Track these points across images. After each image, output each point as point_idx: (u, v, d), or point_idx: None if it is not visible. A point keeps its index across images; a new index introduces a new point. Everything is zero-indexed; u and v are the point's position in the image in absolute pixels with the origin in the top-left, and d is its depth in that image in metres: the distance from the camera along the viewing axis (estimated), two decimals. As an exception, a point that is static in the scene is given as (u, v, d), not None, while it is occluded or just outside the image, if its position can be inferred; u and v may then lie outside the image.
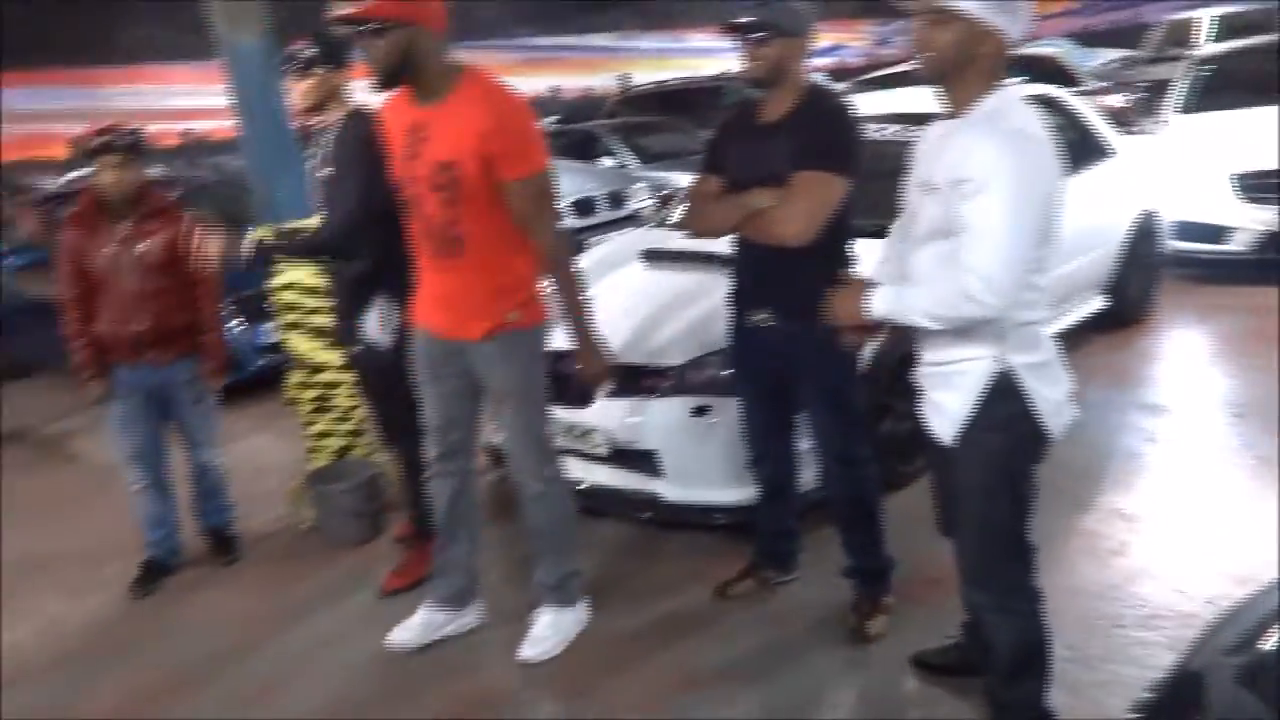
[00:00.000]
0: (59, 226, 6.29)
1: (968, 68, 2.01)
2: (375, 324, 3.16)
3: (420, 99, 2.61)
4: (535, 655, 2.91)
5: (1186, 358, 5.07)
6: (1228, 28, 12.13)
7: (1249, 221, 5.77)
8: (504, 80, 2.66)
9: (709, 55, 20.42)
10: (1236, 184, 5.84)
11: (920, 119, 4.12)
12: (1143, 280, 5.41)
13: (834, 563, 3.00)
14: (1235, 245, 5.85)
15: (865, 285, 2.19)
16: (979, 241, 1.93)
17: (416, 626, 3.10)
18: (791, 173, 2.62)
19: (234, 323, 5.47)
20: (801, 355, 2.77)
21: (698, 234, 2.93)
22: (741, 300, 2.87)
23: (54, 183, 11.10)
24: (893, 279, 2.23)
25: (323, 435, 4.05)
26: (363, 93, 3.17)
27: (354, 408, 4.03)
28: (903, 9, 2.10)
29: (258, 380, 5.48)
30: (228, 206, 5.36)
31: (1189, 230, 5.91)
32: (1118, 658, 2.65)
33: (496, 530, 3.83)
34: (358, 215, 3.03)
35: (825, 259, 2.68)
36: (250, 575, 3.72)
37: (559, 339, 3.00)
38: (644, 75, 16.45)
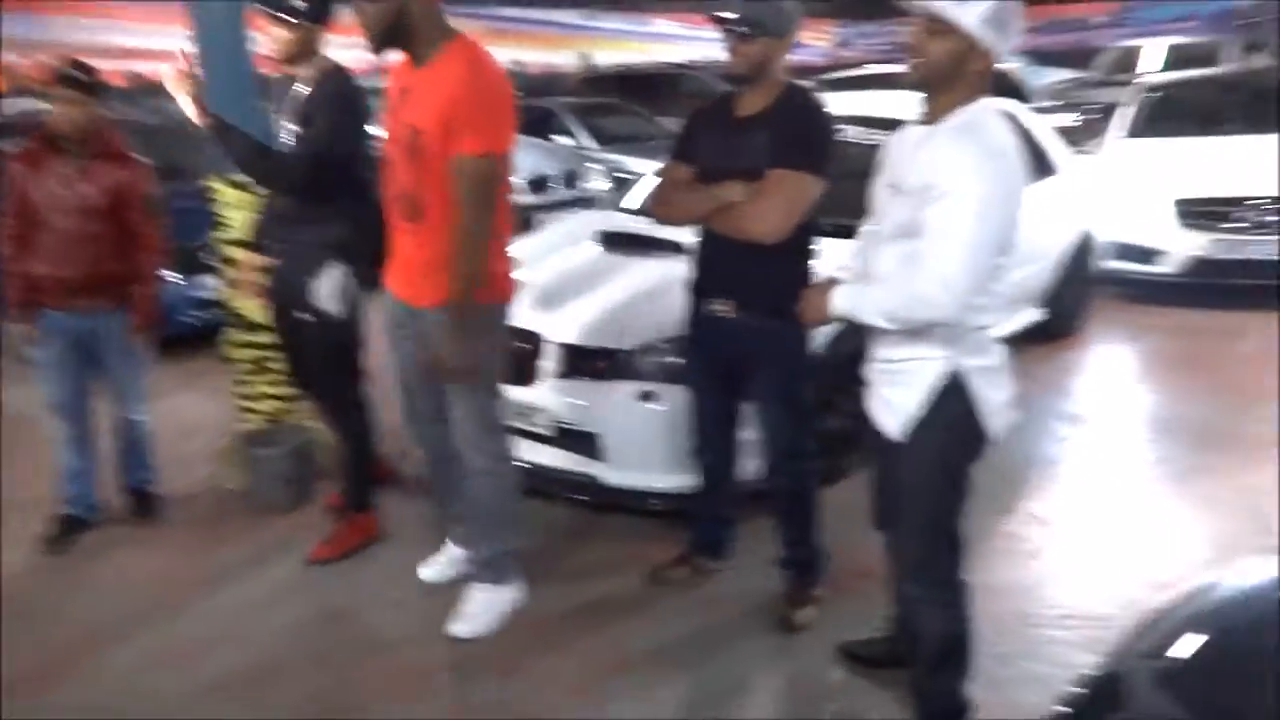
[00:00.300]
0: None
1: (955, 79, 2.06)
2: (330, 292, 3.09)
3: (414, 63, 2.63)
4: (465, 631, 2.90)
5: (1113, 373, 5.24)
6: (1177, 58, 12.49)
7: (1186, 246, 5.97)
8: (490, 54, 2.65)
9: (672, 41, 20.39)
10: (1178, 209, 6.03)
11: (882, 123, 4.22)
12: (1077, 296, 5.57)
13: (766, 552, 3.05)
14: (1168, 268, 6.05)
15: (832, 283, 2.23)
16: (939, 246, 1.98)
17: (442, 563, 3.18)
18: (765, 169, 2.65)
19: (170, 275, 5.31)
20: (758, 348, 2.80)
21: (666, 221, 2.94)
22: (702, 290, 2.88)
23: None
24: (857, 277, 2.27)
25: (257, 397, 3.96)
26: (337, 49, 3.14)
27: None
28: (903, 7, 2.12)
29: (188, 336, 5.34)
30: (169, 153, 5.20)
31: (1125, 250, 6.11)
32: (1032, 655, 2.74)
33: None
34: (319, 158, 3.00)
35: (789, 255, 2.72)
36: (173, 536, 3.62)
37: (517, 317, 3.00)
38: (606, 56, 16.38)
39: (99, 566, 3.43)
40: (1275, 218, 5.76)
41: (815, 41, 25.31)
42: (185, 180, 4.81)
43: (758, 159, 2.67)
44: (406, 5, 2.53)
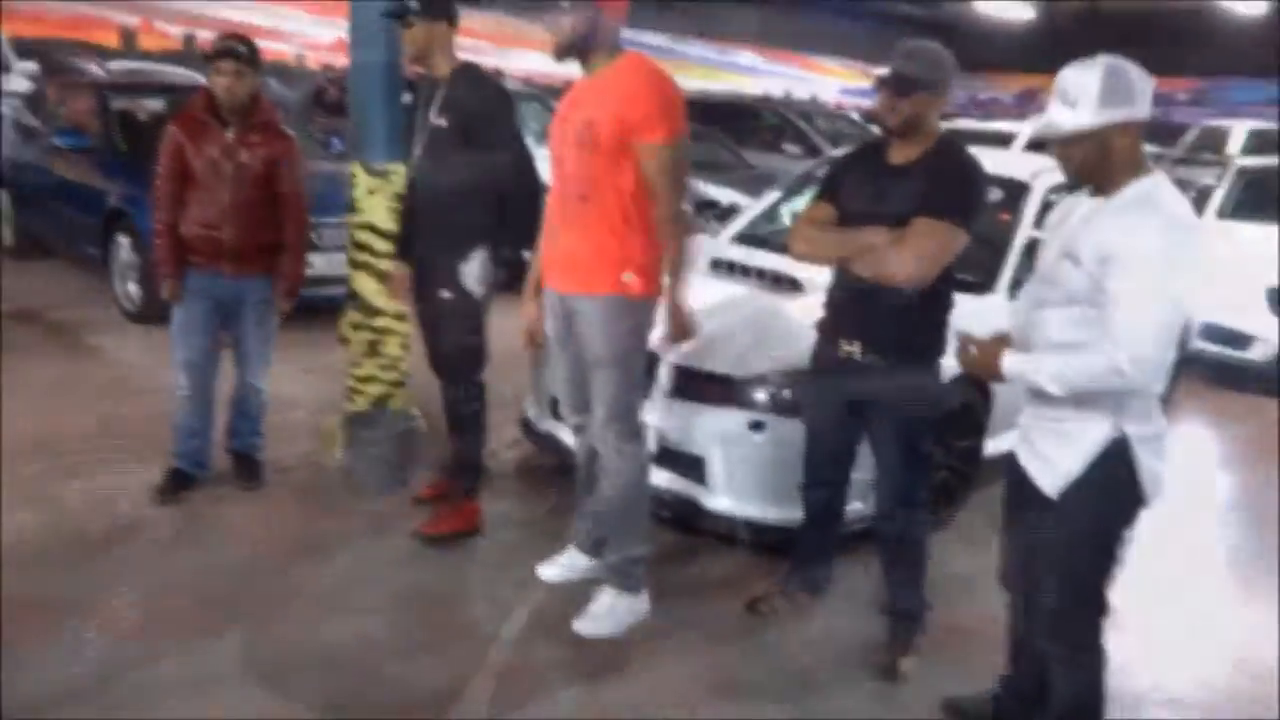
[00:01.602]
0: (109, 116, 6.28)
1: (1106, 164, 2.13)
2: (475, 273, 3.22)
3: (587, 71, 2.80)
4: (588, 631, 2.93)
5: (1198, 454, 5.17)
6: (1259, 143, 12.36)
7: (1275, 334, 5.92)
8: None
9: (752, 73, 20.54)
10: (1269, 297, 5.98)
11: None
12: (1170, 372, 5.51)
13: (862, 594, 3.08)
14: (1258, 355, 5.99)
15: (1003, 342, 2.26)
16: (1131, 320, 2.01)
17: (560, 564, 3.24)
18: (911, 216, 2.68)
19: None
20: (884, 392, 2.82)
21: (803, 258, 2.98)
22: (833, 330, 2.92)
23: (101, 69, 10.99)
24: (1019, 336, 2.30)
25: (366, 379, 4.04)
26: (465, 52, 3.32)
27: (401, 358, 4.04)
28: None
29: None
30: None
31: (1213, 332, 6.06)
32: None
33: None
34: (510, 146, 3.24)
35: (923, 303, 2.75)
36: (274, 504, 3.70)
37: None
38: (687, 82, 16.55)
39: (207, 523, 3.52)
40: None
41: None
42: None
43: (904, 206, 2.71)
44: (596, 19, 2.71)
